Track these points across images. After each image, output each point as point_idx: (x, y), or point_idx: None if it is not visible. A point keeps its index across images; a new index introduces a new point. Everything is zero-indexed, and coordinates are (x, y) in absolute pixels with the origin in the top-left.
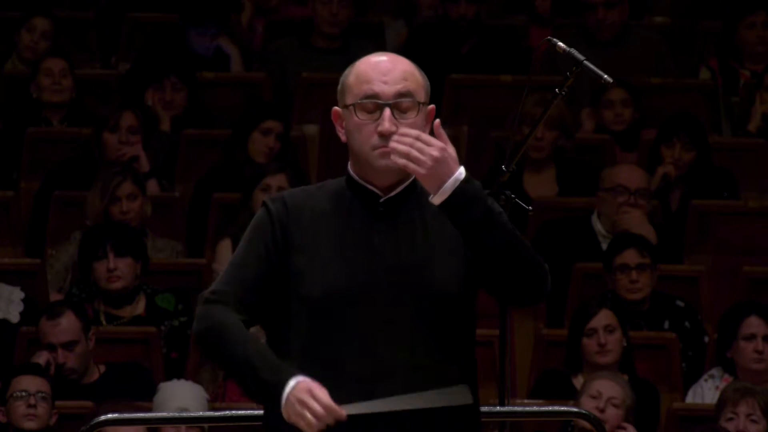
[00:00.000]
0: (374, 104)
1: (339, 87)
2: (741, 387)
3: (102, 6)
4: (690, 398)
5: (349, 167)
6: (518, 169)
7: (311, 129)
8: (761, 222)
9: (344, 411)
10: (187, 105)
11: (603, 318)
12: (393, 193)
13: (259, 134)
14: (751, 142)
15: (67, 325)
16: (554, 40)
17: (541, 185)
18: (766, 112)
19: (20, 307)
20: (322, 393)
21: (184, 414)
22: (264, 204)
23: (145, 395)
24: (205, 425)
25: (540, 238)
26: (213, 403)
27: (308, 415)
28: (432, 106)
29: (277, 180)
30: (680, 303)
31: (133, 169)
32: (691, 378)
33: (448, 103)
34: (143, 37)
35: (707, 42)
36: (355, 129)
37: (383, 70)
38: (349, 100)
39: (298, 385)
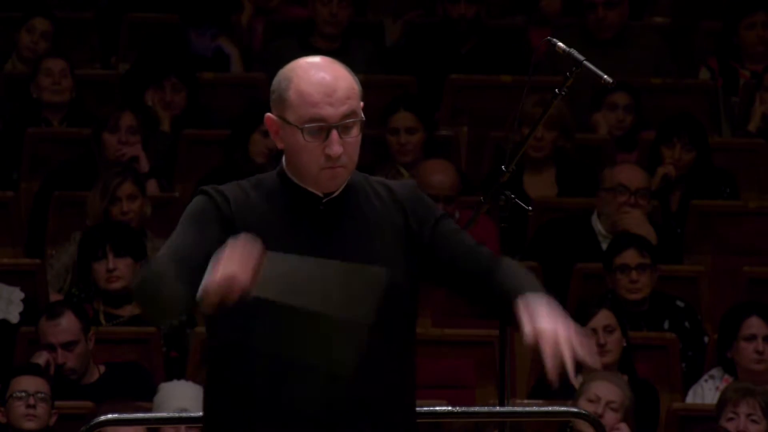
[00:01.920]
0: (321, 128)
1: (274, 95)
2: (741, 387)
3: (102, 6)
4: (690, 398)
5: (286, 169)
6: (518, 170)
7: None
8: (761, 222)
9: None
10: (187, 105)
11: (602, 318)
12: (334, 195)
13: (260, 135)
14: (751, 143)
15: (66, 325)
16: (554, 40)
17: (541, 185)
18: (766, 113)
19: (20, 307)
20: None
21: (184, 414)
22: (203, 192)
23: (145, 395)
24: None
25: (540, 238)
26: None
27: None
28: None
29: None
30: (680, 303)
31: (133, 170)
32: (691, 378)
33: (448, 104)
34: (143, 37)
35: (707, 42)
36: (301, 149)
37: (327, 90)
38: (292, 119)
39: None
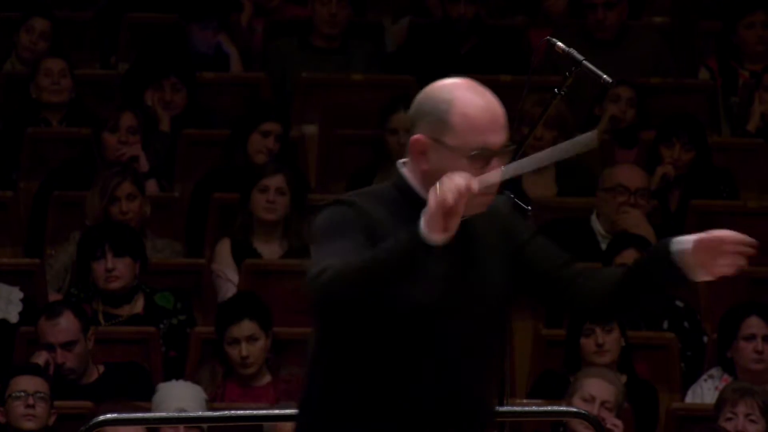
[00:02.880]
0: (485, 155)
1: (429, 117)
2: (740, 387)
3: (101, 6)
4: (689, 398)
5: (416, 187)
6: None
7: (310, 129)
8: (761, 222)
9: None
10: (187, 105)
11: None
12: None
13: (259, 136)
14: (750, 142)
15: (66, 325)
16: (553, 40)
17: (541, 185)
18: (766, 112)
19: (19, 307)
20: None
21: (183, 414)
22: (341, 202)
23: (144, 395)
24: (204, 425)
25: None
26: (212, 403)
27: (445, 194)
28: None
29: (275, 181)
30: (679, 303)
31: (133, 170)
32: (690, 378)
33: None
34: (142, 37)
35: (707, 42)
36: (457, 171)
37: (494, 116)
38: (454, 143)
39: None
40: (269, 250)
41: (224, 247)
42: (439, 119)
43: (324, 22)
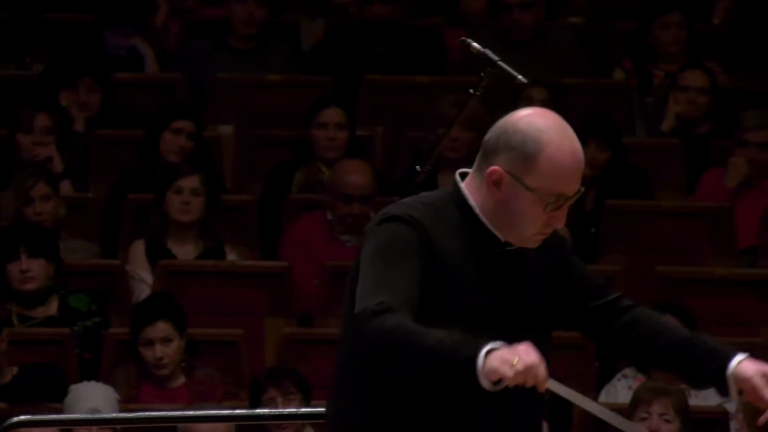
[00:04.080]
0: (561, 204)
1: (514, 152)
2: (655, 387)
3: (16, 6)
4: (603, 398)
5: (479, 209)
6: (434, 170)
7: (226, 129)
8: (675, 222)
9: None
10: (102, 106)
11: None
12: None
13: (170, 134)
14: (665, 143)
15: None
16: (468, 40)
17: None
18: (680, 113)
19: None
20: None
21: (98, 415)
22: (404, 221)
23: (59, 396)
24: (118, 426)
25: None
26: (126, 404)
27: (515, 359)
28: None
29: (190, 182)
30: None
31: (47, 170)
32: (605, 378)
33: (364, 104)
34: (58, 38)
35: (622, 42)
36: (527, 213)
37: (579, 165)
38: (534, 185)
39: (498, 346)
40: (184, 251)
41: (138, 249)
42: (526, 158)
43: (240, 23)
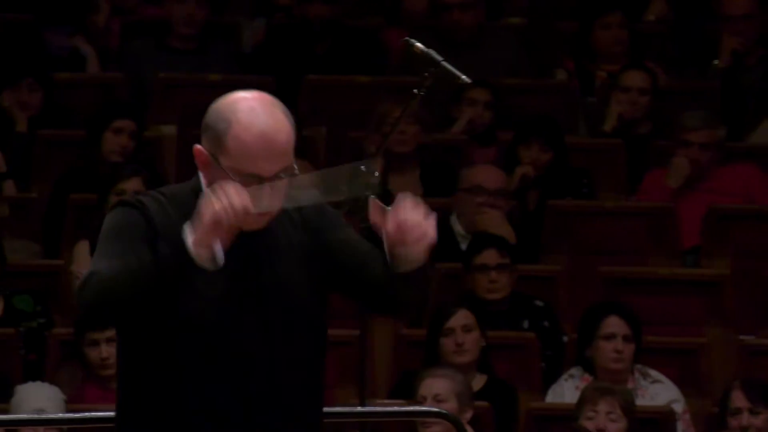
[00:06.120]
0: (255, 181)
1: (209, 132)
2: (600, 386)
3: None
4: (550, 398)
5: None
6: (383, 170)
7: (168, 129)
8: (617, 222)
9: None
10: (43, 106)
11: (461, 318)
12: None
13: (111, 133)
14: (607, 143)
15: None
16: (412, 40)
17: (405, 185)
18: (622, 113)
19: None
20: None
21: (42, 416)
22: (126, 203)
23: (3, 397)
24: (64, 427)
25: None
26: (71, 404)
27: (224, 200)
28: None
29: (131, 184)
30: (539, 303)
31: None
32: (551, 378)
33: (305, 104)
34: None
35: (563, 43)
36: None
37: (267, 144)
38: (226, 165)
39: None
40: None
41: (82, 249)
42: (216, 137)
43: (181, 23)
